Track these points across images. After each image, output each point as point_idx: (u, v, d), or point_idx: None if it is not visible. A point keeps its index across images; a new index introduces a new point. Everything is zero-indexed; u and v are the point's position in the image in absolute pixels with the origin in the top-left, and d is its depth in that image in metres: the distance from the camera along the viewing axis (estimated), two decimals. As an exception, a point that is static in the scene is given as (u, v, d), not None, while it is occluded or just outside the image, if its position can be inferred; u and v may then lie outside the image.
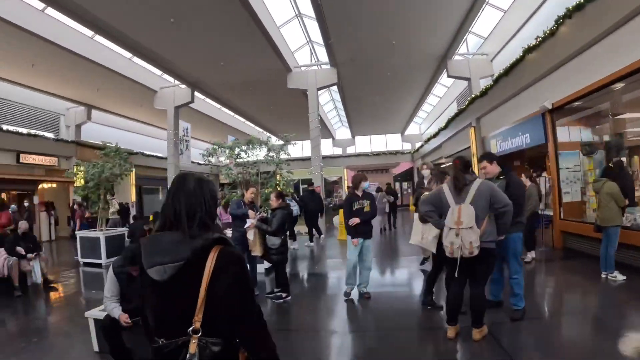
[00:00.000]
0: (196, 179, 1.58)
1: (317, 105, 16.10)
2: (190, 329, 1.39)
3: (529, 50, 10.38)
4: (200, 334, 1.39)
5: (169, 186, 1.66)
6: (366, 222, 5.99)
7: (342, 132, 34.32)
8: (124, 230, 11.54)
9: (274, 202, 6.25)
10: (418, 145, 29.84)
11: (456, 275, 4.05)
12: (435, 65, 16.90)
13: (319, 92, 16.84)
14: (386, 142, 33.72)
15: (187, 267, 1.39)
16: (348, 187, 25.37)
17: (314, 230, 12.40)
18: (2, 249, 7.48)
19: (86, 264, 10.60)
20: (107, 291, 3.81)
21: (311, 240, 12.26)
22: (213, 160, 11.31)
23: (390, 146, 33.26)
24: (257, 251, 6.13)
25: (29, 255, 7.64)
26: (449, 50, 15.37)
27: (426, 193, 5.12)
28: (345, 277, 6.26)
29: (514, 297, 4.79)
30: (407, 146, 32.87)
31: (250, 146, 10.46)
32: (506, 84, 11.74)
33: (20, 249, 7.57)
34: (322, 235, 12.77)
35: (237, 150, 10.52)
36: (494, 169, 4.70)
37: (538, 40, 9.91)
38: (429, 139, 23.54)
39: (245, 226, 6.15)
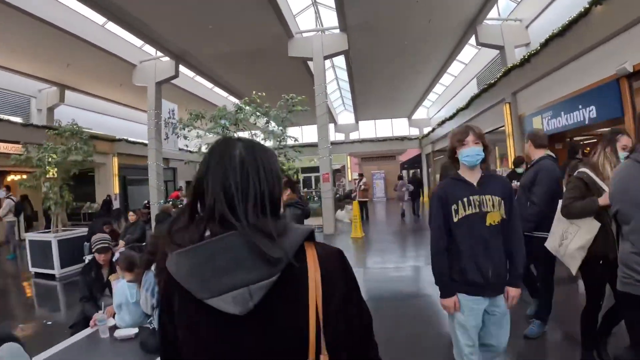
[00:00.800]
0: (244, 143, 1.05)
1: (324, 76, 13.71)
2: None
3: (597, 0, 8.18)
4: None
5: (204, 162, 1.03)
6: (489, 251, 2.50)
7: (345, 116, 32.03)
8: (81, 231, 9.20)
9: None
10: (427, 130, 27.79)
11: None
12: (461, 32, 14.60)
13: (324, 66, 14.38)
14: (392, 128, 31.45)
15: (279, 281, 0.91)
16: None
17: None
18: None
19: (38, 275, 8.40)
20: None
21: None
22: (190, 135, 8.53)
23: (396, 132, 30.97)
24: None
25: None
26: (479, 14, 13.07)
27: (583, 169, 3.05)
28: None
29: None
30: (415, 131, 30.65)
31: (242, 115, 7.81)
32: (560, 47, 9.51)
33: None
34: None
35: (222, 122, 7.88)
36: None
37: (612, -13, 7.76)
38: (443, 122, 21.30)
39: None
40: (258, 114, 7.64)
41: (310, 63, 15.02)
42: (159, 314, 1.07)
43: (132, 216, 8.05)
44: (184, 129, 8.00)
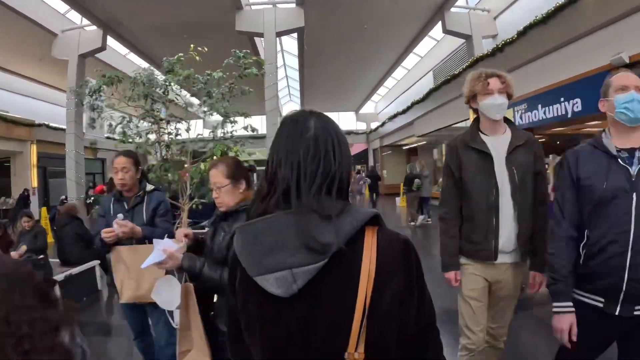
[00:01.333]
0: (318, 117, 0.99)
1: (275, 55, 12.26)
2: None
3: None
4: None
5: (276, 135, 1.01)
6: None
7: (290, 107, 30.62)
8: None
9: (225, 192, 2.16)
10: (374, 125, 27.24)
11: None
12: (428, 17, 13.81)
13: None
14: (339, 121, 29.55)
15: (330, 267, 0.85)
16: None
17: None
18: None
19: None
20: None
21: None
22: (101, 107, 6.31)
23: (343, 125, 29.65)
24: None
25: None
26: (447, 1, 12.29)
27: None
28: None
29: None
30: (362, 126, 30.02)
31: (173, 78, 5.78)
32: (541, 36, 8.81)
33: None
34: None
35: (140, 90, 5.72)
36: None
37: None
38: (394, 116, 20.60)
39: (151, 260, 2.08)
40: (197, 80, 5.80)
41: (258, 41, 13.51)
42: (227, 283, 1.05)
43: (27, 222, 6.02)
44: (92, 96, 5.94)
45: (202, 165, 5.98)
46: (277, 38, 12.84)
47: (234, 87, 6.11)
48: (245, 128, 6.67)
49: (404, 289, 0.91)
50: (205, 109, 5.97)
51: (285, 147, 0.95)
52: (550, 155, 9.17)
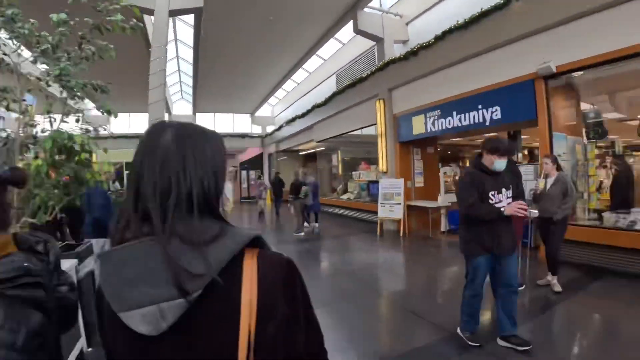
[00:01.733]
0: (176, 127, 0.87)
1: (166, 37, 10.43)
2: None
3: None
4: None
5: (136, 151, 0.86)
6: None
7: (181, 106, 28.11)
8: None
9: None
10: (270, 129, 26.14)
11: None
12: (339, 15, 13.09)
13: (171, 33, 11.03)
14: (233, 123, 28.76)
15: (205, 299, 0.75)
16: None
17: None
18: None
19: None
20: None
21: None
22: None
23: (237, 128, 28.45)
24: None
25: None
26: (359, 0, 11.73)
27: None
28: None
29: None
30: (257, 129, 28.63)
31: None
32: (462, 42, 8.48)
33: None
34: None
35: None
36: None
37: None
38: (293, 119, 19.69)
39: None
40: (44, 38, 3.60)
41: (148, 20, 11.63)
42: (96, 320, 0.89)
43: None
44: None
45: (33, 165, 3.69)
46: (171, 19, 11.11)
47: (86, 42, 3.83)
48: (99, 109, 4.17)
49: (290, 317, 0.83)
50: (40, 75, 3.90)
51: (141, 164, 0.82)
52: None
